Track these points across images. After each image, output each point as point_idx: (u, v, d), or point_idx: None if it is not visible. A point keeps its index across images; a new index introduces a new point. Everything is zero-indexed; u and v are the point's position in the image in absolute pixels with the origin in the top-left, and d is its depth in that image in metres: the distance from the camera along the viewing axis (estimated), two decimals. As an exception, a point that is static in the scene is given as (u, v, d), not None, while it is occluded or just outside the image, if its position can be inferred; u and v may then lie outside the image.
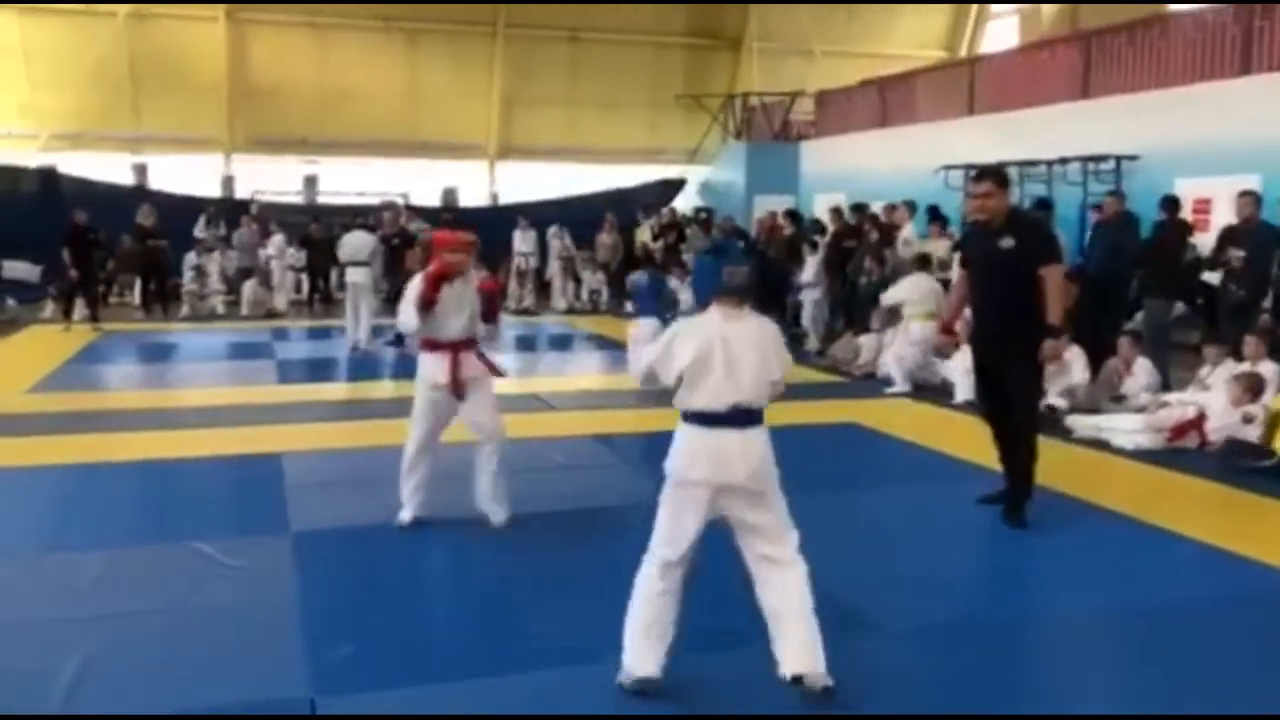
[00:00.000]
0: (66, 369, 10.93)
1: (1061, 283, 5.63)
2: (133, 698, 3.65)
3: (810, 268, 12.98)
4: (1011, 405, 5.73)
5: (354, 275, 12.46)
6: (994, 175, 5.81)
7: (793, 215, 15.80)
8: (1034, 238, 5.71)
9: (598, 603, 4.08)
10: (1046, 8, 22.54)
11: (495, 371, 5.61)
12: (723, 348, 3.56)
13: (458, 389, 5.40)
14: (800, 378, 10.89)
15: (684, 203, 21.45)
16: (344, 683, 3.77)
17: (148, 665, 3.94)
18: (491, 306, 5.51)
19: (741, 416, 3.59)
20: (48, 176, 18.17)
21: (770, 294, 14.39)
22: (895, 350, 10.18)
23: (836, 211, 14.88)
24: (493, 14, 22.00)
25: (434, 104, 22.32)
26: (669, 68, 23.34)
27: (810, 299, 12.83)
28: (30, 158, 19.20)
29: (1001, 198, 5.68)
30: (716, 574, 3.88)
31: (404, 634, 4.25)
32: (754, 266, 3.75)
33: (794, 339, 13.14)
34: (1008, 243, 5.56)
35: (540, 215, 18.29)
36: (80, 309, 14.22)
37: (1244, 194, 9.03)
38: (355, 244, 12.66)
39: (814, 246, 13.20)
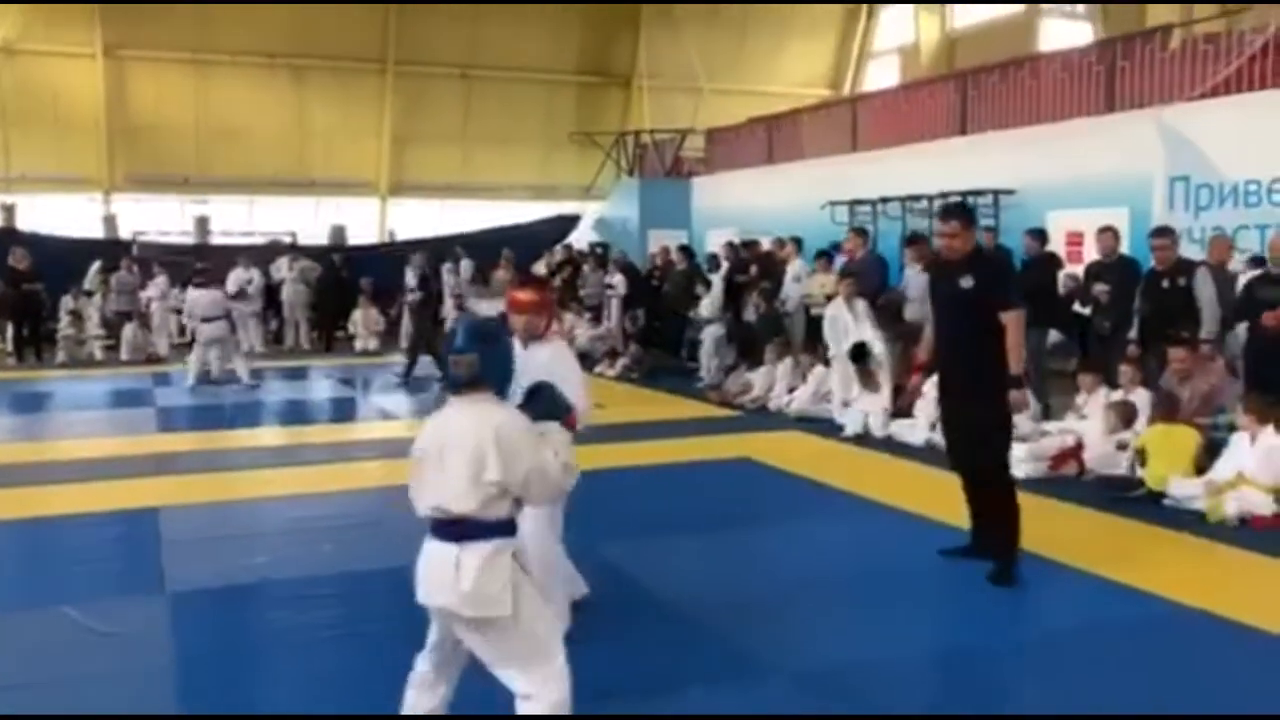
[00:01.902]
0: (-71, 422, 10.37)
1: (1021, 329, 5.35)
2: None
3: (708, 303, 13.10)
4: (976, 456, 5.53)
5: (209, 331, 12.80)
6: (960, 213, 5.60)
7: (686, 250, 15.96)
8: (993, 278, 5.43)
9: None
10: (925, 46, 23.36)
11: None
12: (437, 444, 3.19)
13: None
14: (694, 412, 11.00)
15: (579, 238, 21.51)
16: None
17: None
18: None
19: (449, 527, 3.15)
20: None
21: (664, 328, 14.51)
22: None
23: (730, 246, 15.09)
24: (382, 50, 21.87)
25: (323, 141, 22.07)
26: (561, 104, 23.52)
27: (711, 334, 12.93)
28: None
29: (967, 236, 5.45)
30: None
31: (286, 699, 4.10)
32: (503, 351, 3.30)
33: (688, 374, 13.26)
34: (967, 282, 5.34)
35: (433, 252, 18.10)
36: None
37: (1104, 229, 9.40)
38: (205, 302, 12.92)
39: (708, 284, 13.33)
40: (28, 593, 5.39)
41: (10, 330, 16.04)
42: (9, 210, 19.43)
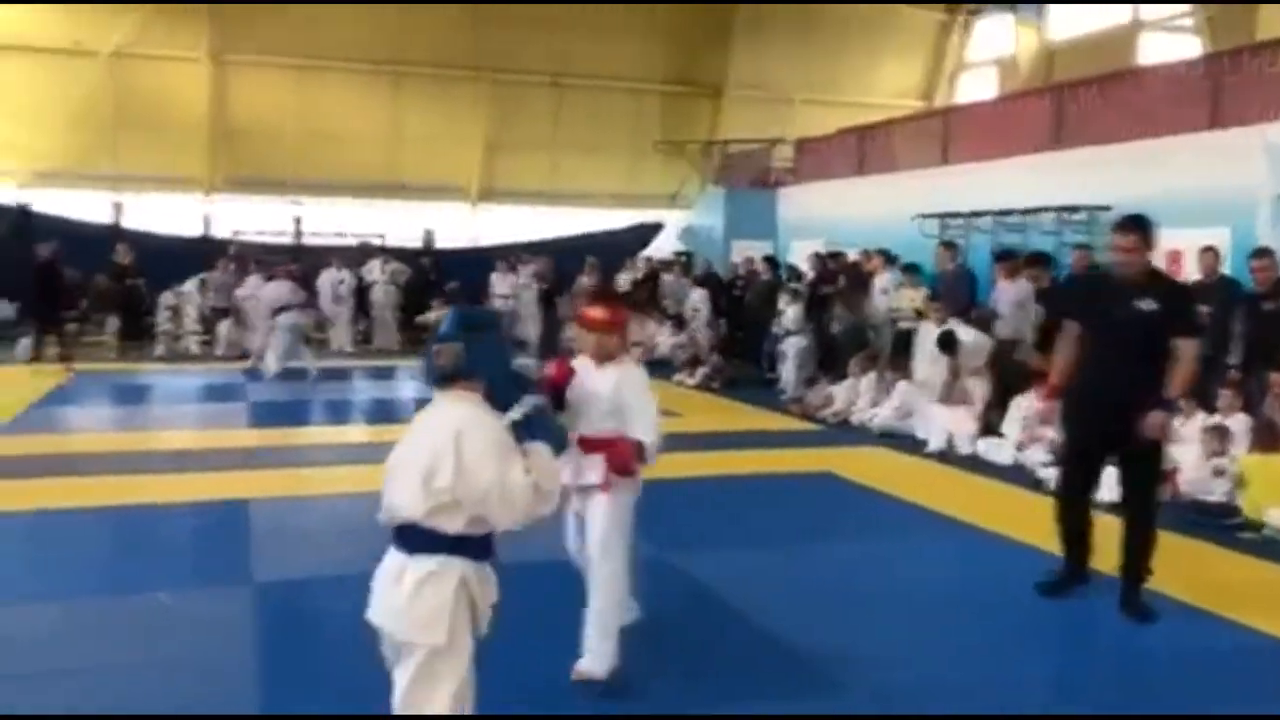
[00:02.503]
0: (34, 410, 10.79)
1: (1194, 359, 5.09)
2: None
3: (792, 315, 13.01)
4: (1129, 488, 5.17)
5: (282, 320, 13.42)
6: (1139, 227, 5.15)
7: (770, 261, 15.89)
8: (1178, 302, 5.14)
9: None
10: (1023, 58, 22.92)
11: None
12: (405, 441, 2.95)
13: None
14: (774, 424, 10.93)
15: (663, 246, 21.56)
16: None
17: (101, 723, 3.84)
18: None
19: (400, 534, 2.90)
20: (22, 215, 18.07)
21: (746, 339, 14.45)
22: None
23: (817, 257, 14.98)
24: (476, 58, 22.15)
25: (417, 146, 22.41)
26: (649, 113, 23.57)
27: (793, 346, 12.83)
28: (8, 195, 19.09)
29: (1145, 253, 5.11)
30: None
31: (362, 688, 4.17)
32: (492, 343, 3.03)
33: (769, 385, 13.17)
34: (1148, 305, 4.96)
35: (519, 258, 18.34)
36: (51, 346, 14.09)
37: (1205, 249, 9.14)
38: (276, 294, 13.61)
39: (795, 295, 13.24)
40: (124, 578, 5.57)
41: (112, 324, 16.61)
42: (117, 208, 20.17)
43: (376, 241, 19.73)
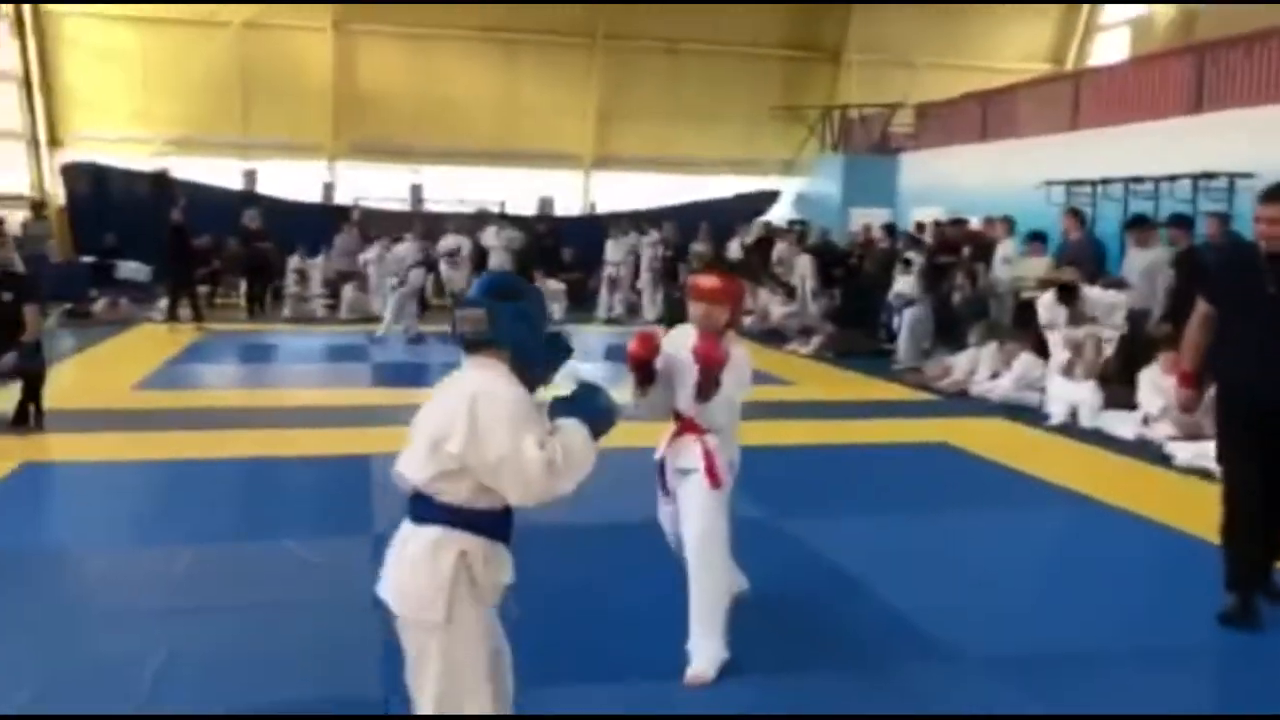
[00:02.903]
0: (170, 367, 11.30)
1: None
2: (212, 689, 3.75)
3: (909, 283, 12.76)
4: None
5: (413, 277, 14.42)
6: None
7: (889, 229, 15.60)
8: None
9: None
10: (1160, 18, 21.87)
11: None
12: (425, 406, 2.80)
13: None
14: (889, 394, 10.76)
15: (779, 214, 21.34)
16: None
17: (229, 658, 4.03)
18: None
19: (410, 503, 2.74)
20: (159, 180, 18.84)
21: (862, 308, 14.22)
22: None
23: (936, 225, 14.66)
24: (591, 25, 22.16)
25: (532, 114, 22.57)
26: (766, 79, 23.24)
27: (911, 316, 12.58)
28: (143, 162, 19.94)
29: None
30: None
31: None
32: (521, 311, 2.75)
33: (885, 355, 12.96)
34: None
35: (633, 225, 18.38)
36: (185, 307, 14.71)
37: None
38: (404, 253, 14.55)
39: (908, 264, 12.98)
40: (251, 525, 5.82)
41: (243, 286, 17.26)
42: (249, 175, 20.89)
43: (494, 208, 20.02)
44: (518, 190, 22.04)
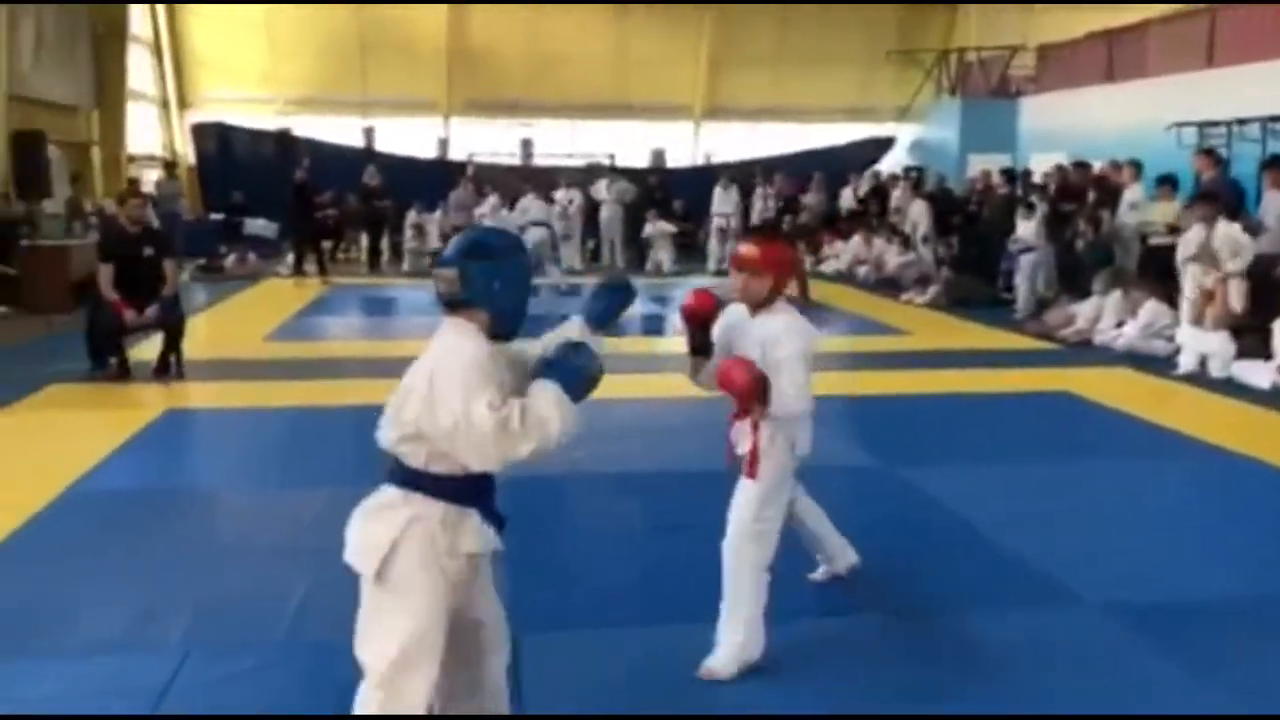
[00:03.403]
0: (298, 319, 11.74)
1: None
2: (346, 624, 3.91)
3: (1029, 229, 12.41)
4: None
5: (536, 234, 14.87)
6: None
7: (1009, 175, 15.18)
8: None
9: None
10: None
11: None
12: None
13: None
14: (1008, 344, 10.54)
15: (894, 161, 20.92)
16: (544, 622, 3.91)
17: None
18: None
19: (389, 465, 2.67)
20: (283, 139, 19.42)
21: (980, 256, 13.90)
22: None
23: (1059, 169, 14.21)
24: (702, -28, 21.91)
25: (642, 65, 22.46)
26: (881, 23, 22.65)
27: (1031, 262, 12.26)
28: (268, 121, 20.57)
29: None
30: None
31: (599, 580, 4.39)
32: (494, 270, 2.61)
33: (1004, 304, 12.67)
34: None
35: (745, 175, 18.24)
36: (310, 262, 15.21)
37: None
38: (534, 209, 15.28)
39: (1031, 208, 12.61)
40: (375, 470, 6.01)
41: (363, 241, 17.74)
42: (368, 133, 21.38)
43: (605, 161, 20.09)
44: (628, 143, 22.05)
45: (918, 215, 15.01)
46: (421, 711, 2.56)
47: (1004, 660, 3.69)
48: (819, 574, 4.26)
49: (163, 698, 3.37)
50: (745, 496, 3.56)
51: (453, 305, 2.63)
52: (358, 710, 2.61)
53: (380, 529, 2.58)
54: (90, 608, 4.06)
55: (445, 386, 2.48)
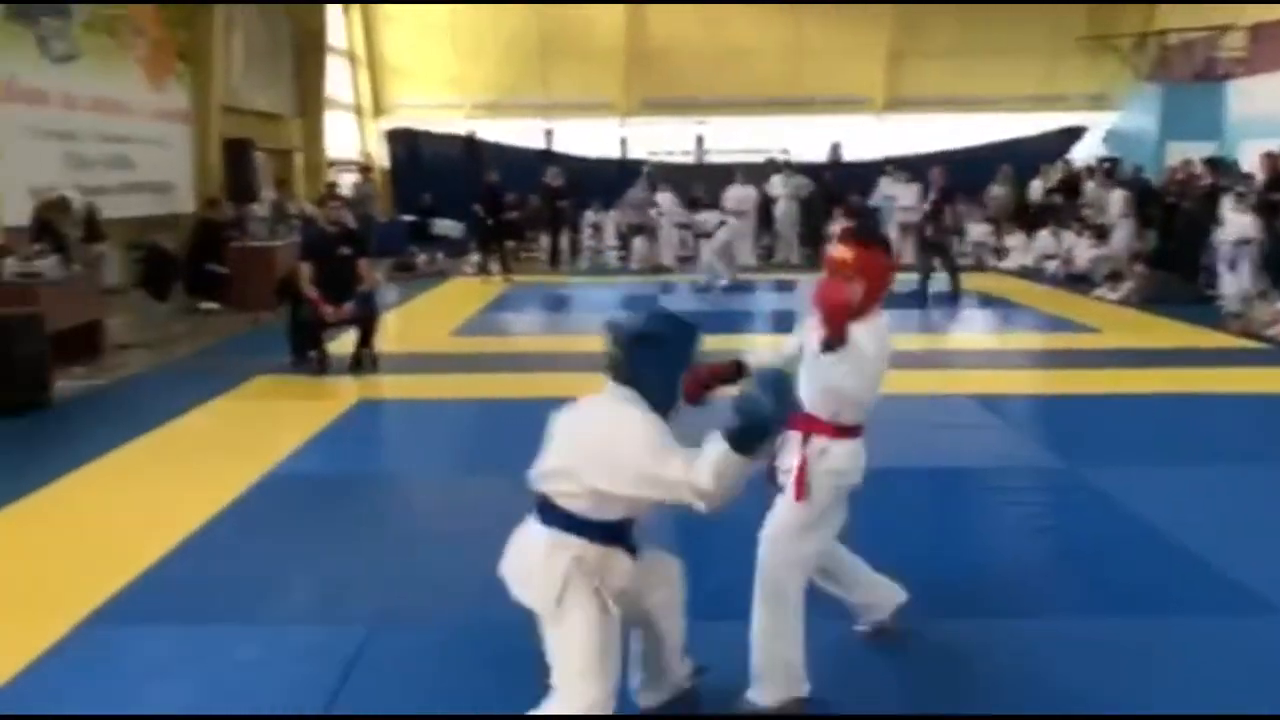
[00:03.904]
0: (483, 315, 12.17)
1: None
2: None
3: (1236, 222, 11.65)
4: None
5: (737, 226, 15.06)
6: None
7: (1213, 164, 14.31)
8: None
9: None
10: None
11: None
12: (568, 419, 2.97)
13: None
14: (1210, 343, 9.94)
15: (1086, 152, 20.01)
16: (713, 610, 3.96)
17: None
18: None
19: (539, 503, 2.94)
20: (469, 142, 20.16)
21: (1180, 250, 13.16)
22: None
23: (1268, 157, 13.30)
24: (885, -36, 21.50)
25: (820, 57, 22.22)
26: (1069, 9, 21.69)
27: (1238, 255, 11.51)
28: (455, 125, 21.38)
29: None
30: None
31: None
32: (655, 358, 2.83)
33: (1205, 301, 11.96)
34: None
35: (925, 167, 17.78)
36: (495, 261, 15.73)
37: None
38: (737, 197, 15.56)
39: (1240, 197, 11.84)
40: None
41: (544, 240, 18.23)
42: (549, 134, 21.96)
43: (781, 157, 19.97)
44: (804, 137, 21.85)
45: (1117, 205, 14.31)
46: (609, 712, 2.79)
47: (1185, 665, 3.54)
48: (863, 626, 3.73)
49: (353, 666, 3.59)
50: (784, 519, 3.23)
51: (615, 375, 2.87)
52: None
53: (549, 570, 2.82)
54: (288, 580, 4.38)
55: (631, 459, 2.69)
